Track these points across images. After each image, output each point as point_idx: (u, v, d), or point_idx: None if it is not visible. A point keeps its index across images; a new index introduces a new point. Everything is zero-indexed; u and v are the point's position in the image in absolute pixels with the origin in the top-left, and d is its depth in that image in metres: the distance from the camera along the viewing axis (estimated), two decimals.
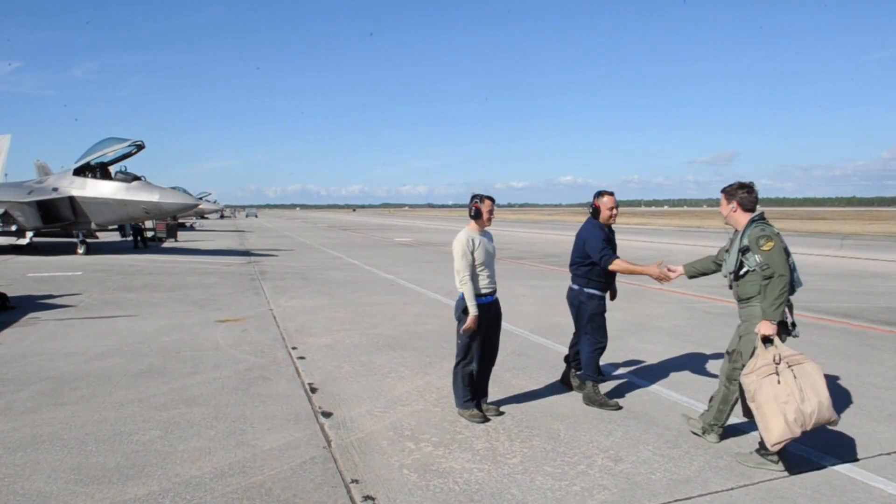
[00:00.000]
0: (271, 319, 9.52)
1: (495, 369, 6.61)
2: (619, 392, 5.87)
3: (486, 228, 5.17)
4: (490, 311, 5.08)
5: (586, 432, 4.85)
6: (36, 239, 22.21)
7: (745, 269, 4.37)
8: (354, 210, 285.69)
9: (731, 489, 3.89)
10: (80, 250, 20.82)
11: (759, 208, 4.53)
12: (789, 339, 4.42)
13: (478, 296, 4.97)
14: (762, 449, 4.21)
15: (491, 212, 5.10)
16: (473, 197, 5.13)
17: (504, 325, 8.54)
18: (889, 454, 4.44)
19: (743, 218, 4.47)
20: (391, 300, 11.54)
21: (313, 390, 5.87)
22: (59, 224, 21.34)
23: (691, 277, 5.14)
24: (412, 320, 9.52)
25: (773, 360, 4.06)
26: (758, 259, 4.26)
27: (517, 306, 10.55)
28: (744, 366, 4.29)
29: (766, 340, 4.18)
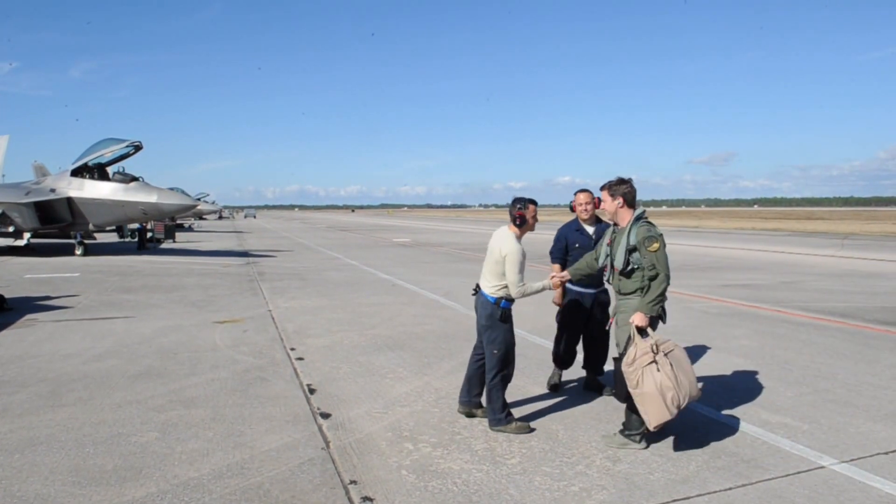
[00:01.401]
0: (270, 320, 9.52)
1: None
2: None
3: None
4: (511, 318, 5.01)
5: (585, 432, 4.86)
6: (33, 240, 22.17)
7: (630, 267, 4.57)
8: (353, 210, 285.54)
9: (730, 489, 3.89)
10: (78, 251, 20.76)
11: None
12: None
13: (508, 300, 4.87)
14: (625, 429, 4.56)
15: (535, 217, 4.84)
16: (516, 202, 4.82)
17: None
18: (887, 453, 4.45)
19: (627, 213, 4.66)
20: (390, 301, 11.54)
21: (312, 391, 5.87)
22: (57, 225, 21.29)
23: (577, 281, 5.39)
24: (411, 321, 9.52)
25: (652, 349, 4.31)
26: (644, 259, 4.47)
27: (515, 306, 10.54)
28: (621, 354, 4.56)
29: (642, 332, 4.43)
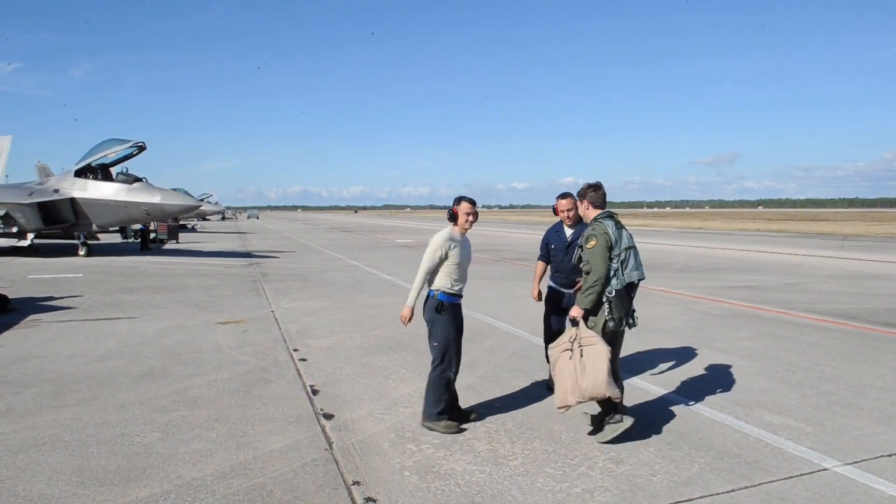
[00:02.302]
0: (272, 321, 9.53)
1: (496, 371, 6.63)
2: None
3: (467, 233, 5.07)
4: (460, 311, 5.04)
5: (587, 434, 4.85)
6: (37, 240, 22.23)
7: (583, 263, 4.82)
8: (356, 211, 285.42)
9: (732, 491, 3.89)
10: (81, 252, 20.82)
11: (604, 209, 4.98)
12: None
13: (451, 294, 4.94)
14: (607, 417, 4.69)
15: (468, 214, 4.95)
16: (454, 200, 5.06)
17: (505, 326, 8.56)
18: (890, 455, 4.44)
19: (594, 214, 4.92)
20: (392, 302, 11.53)
21: (315, 392, 5.88)
22: (60, 226, 21.34)
23: (557, 280, 5.89)
24: (413, 322, 9.49)
25: (569, 339, 4.63)
26: (584, 255, 4.75)
27: (518, 308, 10.55)
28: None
29: (573, 322, 4.70)
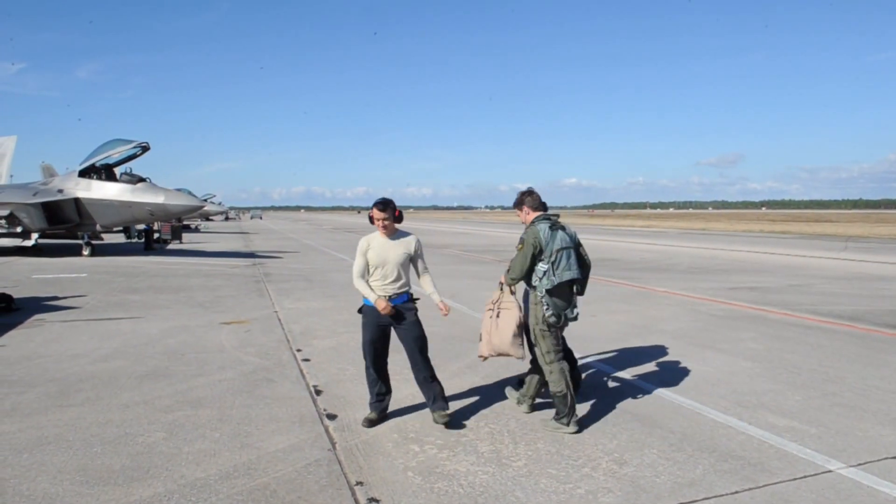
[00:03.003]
0: (276, 321, 9.54)
1: (499, 371, 6.61)
2: (622, 395, 5.86)
3: (404, 230, 5.18)
4: (381, 315, 5.00)
5: (591, 435, 4.85)
6: (41, 240, 22.30)
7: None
8: (359, 212, 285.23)
9: (736, 493, 3.88)
10: (85, 252, 20.87)
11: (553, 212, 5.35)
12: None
13: (365, 297, 5.01)
14: (557, 416, 4.97)
15: (379, 220, 4.96)
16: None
17: None
18: (894, 458, 4.43)
19: (532, 218, 5.23)
20: None
21: (318, 392, 5.89)
22: (65, 226, 21.39)
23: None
24: None
25: (492, 301, 5.27)
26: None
27: None
28: (547, 351, 5.01)
29: (501, 287, 5.30)
